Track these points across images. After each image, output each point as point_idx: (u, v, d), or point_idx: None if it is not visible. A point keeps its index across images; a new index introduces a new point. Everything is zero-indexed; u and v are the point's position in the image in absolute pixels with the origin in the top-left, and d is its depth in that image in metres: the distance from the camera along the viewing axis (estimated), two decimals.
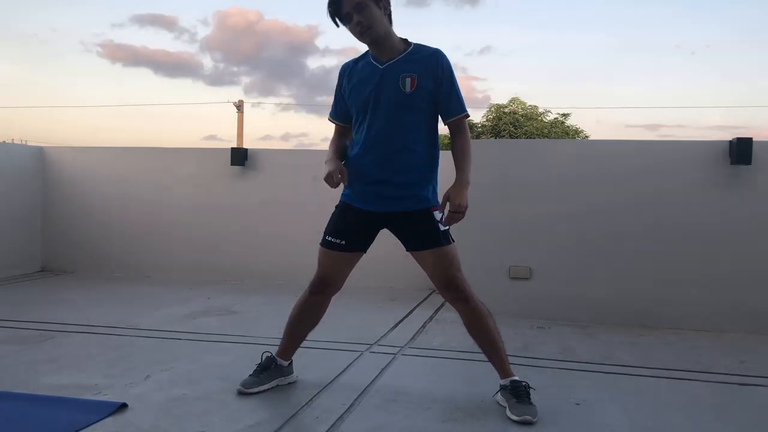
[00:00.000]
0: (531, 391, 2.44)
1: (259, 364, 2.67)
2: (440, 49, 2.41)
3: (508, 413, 2.35)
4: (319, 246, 2.57)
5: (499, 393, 2.48)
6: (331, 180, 2.35)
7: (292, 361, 2.73)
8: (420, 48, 2.42)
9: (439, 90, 2.37)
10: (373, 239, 2.56)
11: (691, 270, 4.00)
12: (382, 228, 2.52)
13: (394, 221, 2.46)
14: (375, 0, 2.31)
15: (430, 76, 2.36)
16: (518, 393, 2.39)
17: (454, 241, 2.47)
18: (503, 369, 2.49)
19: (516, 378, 2.46)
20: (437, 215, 2.44)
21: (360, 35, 2.35)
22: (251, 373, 2.64)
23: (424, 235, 2.42)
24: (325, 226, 2.57)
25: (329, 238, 2.52)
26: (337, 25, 2.36)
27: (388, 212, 2.44)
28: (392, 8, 2.42)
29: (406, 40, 2.44)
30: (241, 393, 2.55)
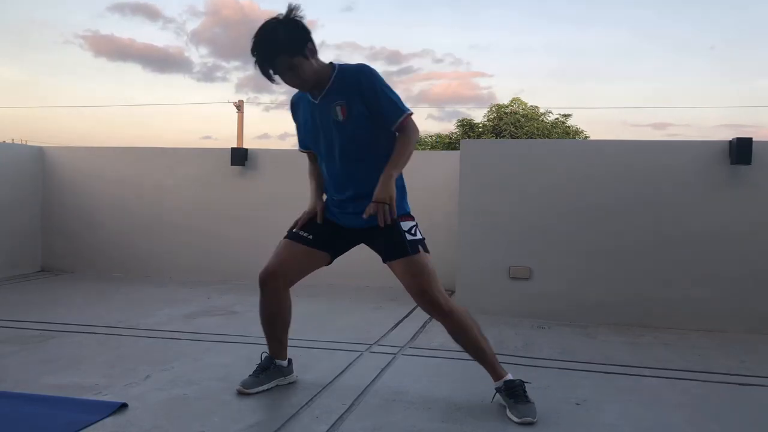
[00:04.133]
0: (527, 386, 2.44)
1: (259, 364, 2.66)
2: (362, 64, 2.37)
3: (509, 414, 2.35)
4: (281, 239, 2.57)
5: (497, 395, 2.47)
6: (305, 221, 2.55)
7: (291, 361, 2.72)
8: (344, 70, 2.37)
9: (371, 107, 2.33)
10: (345, 250, 2.59)
11: (691, 270, 4.00)
12: (358, 243, 2.55)
13: (365, 236, 2.49)
14: (304, 55, 2.26)
15: (357, 99, 2.32)
16: (514, 393, 2.39)
17: (428, 252, 2.43)
18: (494, 371, 2.47)
19: (509, 378, 2.45)
20: (405, 225, 2.41)
21: (298, 89, 2.42)
22: (251, 373, 2.64)
23: (391, 245, 2.41)
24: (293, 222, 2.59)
25: (295, 230, 2.54)
26: (272, 80, 2.32)
27: (358, 228, 2.47)
28: None
29: (331, 63, 2.40)
30: (240, 393, 2.54)
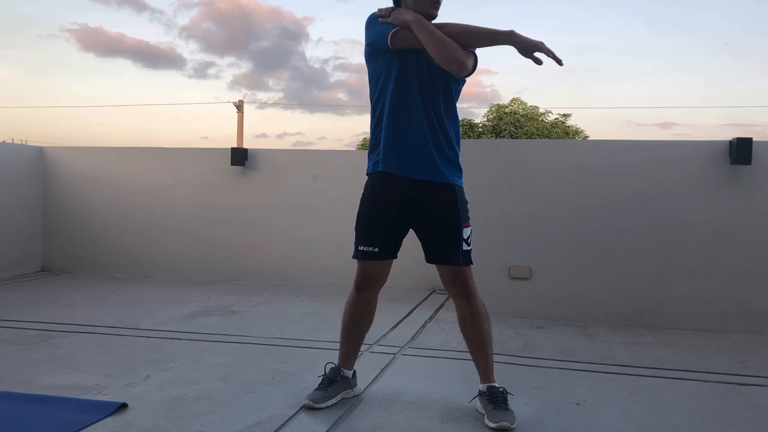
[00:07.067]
0: (509, 396, 2.38)
1: (325, 375, 2.53)
2: None
3: (486, 421, 2.29)
4: (359, 262, 2.49)
5: (477, 399, 2.43)
6: None
7: (355, 372, 2.60)
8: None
9: None
10: (401, 242, 2.47)
11: (691, 270, 4.00)
12: (410, 226, 2.44)
13: (422, 216, 2.38)
14: None
15: None
16: (495, 399, 2.34)
17: (473, 263, 2.43)
18: (486, 373, 2.43)
19: (494, 384, 2.41)
20: (466, 232, 2.39)
21: (433, 7, 2.37)
22: (317, 386, 2.50)
23: (444, 248, 2.36)
24: (355, 235, 2.47)
25: (362, 248, 2.43)
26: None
27: (423, 181, 2.35)
28: None
29: None
30: (310, 408, 2.40)
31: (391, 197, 2.40)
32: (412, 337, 3.60)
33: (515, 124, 29.23)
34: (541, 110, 30.77)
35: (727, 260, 3.97)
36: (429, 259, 2.42)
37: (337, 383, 2.51)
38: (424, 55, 2.32)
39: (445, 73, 2.33)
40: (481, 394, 2.40)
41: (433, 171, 2.36)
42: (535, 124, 29.26)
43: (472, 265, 2.44)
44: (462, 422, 2.32)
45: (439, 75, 2.35)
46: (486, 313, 2.45)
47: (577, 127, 30.26)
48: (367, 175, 2.49)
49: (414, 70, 2.35)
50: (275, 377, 2.80)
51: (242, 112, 30.50)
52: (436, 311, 4.35)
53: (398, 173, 2.37)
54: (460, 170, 2.44)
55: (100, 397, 2.49)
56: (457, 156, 2.43)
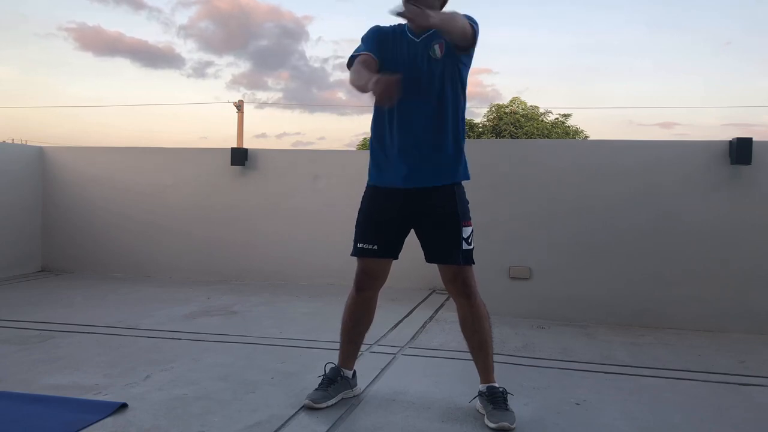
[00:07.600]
0: (509, 396, 2.38)
1: (325, 375, 2.53)
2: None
3: (486, 421, 2.29)
4: (358, 259, 2.49)
5: (477, 399, 2.43)
6: (389, 88, 2.08)
7: (355, 372, 2.60)
8: None
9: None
10: (402, 243, 2.47)
11: (691, 270, 4.00)
12: (410, 228, 2.45)
13: (422, 216, 2.39)
14: None
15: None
16: (495, 399, 2.33)
17: (474, 263, 2.42)
18: (486, 374, 2.43)
19: (494, 384, 2.41)
20: (465, 231, 2.39)
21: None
22: (317, 386, 2.50)
23: (444, 247, 2.36)
24: (354, 234, 2.48)
25: (361, 245, 2.44)
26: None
27: (419, 188, 2.36)
28: None
29: None
30: (310, 408, 2.40)
31: (393, 198, 2.41)
32: (412, 337, 3.60)
33: (515, 124, 29.22)
34: (541, 110, 30.76)
35: (727, 260, 3.97)
36: (429, 258, 2.42)
37: (337, 383, 2.51)
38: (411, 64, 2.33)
39: (430, 60, 2.33)
40: (481, 394, 2.40)
41: (430, 177, 2.36)
42: (535, 124, 29.24)
43: (473, 265, 2.43)
44: (462, 422, 2.32)
45: (428, 62, 2.34)
46: (487, 313, 2.45)
47: (577, 127, 30.27)
48: (367, 185, 2.50)
49: (409, 76, 2.30)
50: (275, 377, 2.80)
51: (242, 112, 30.49)
52: (436, 311, 4.35)
53: (397, 185, 2.38)
54: (462, 164, 2.42)
55: (100, 397, 2.49)
56: (460, 149, 2.41)
